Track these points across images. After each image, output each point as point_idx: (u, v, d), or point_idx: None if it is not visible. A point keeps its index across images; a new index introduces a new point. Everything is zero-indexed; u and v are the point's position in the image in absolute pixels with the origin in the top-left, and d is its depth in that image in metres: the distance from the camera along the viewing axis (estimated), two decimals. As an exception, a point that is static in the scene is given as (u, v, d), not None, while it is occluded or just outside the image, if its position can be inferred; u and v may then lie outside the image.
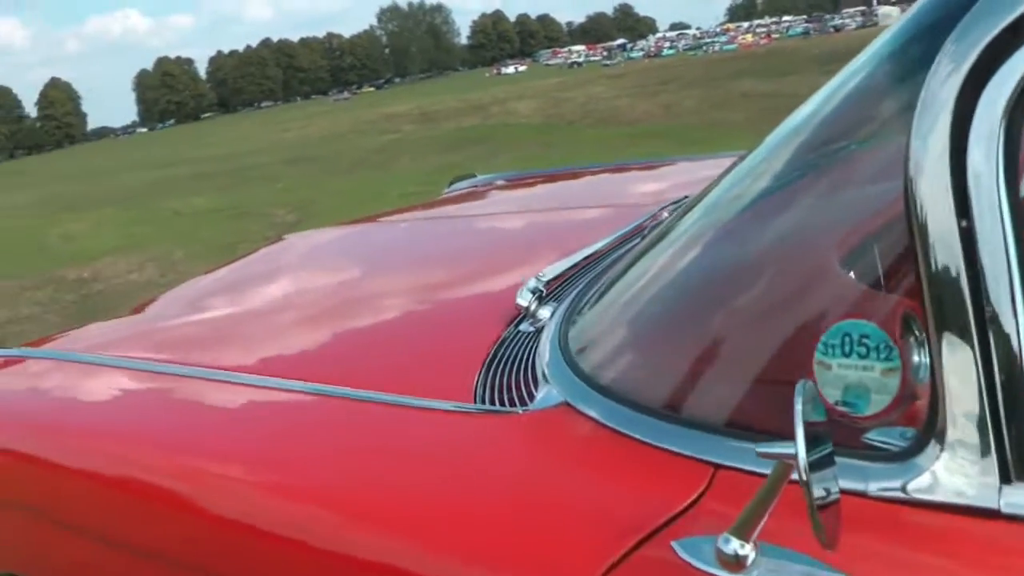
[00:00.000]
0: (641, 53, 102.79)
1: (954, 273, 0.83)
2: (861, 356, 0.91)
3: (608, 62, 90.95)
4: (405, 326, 1.85)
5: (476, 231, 2.62)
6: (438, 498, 1.21)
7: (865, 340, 0.91)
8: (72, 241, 15.60)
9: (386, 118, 38.86)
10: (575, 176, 3.56)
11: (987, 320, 0.82)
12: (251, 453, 1.46)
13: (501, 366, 1.46)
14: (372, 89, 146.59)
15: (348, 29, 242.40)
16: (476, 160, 19.39)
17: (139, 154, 55.33)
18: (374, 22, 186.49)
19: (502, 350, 1.52)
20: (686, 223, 1.36)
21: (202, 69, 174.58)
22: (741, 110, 20.93)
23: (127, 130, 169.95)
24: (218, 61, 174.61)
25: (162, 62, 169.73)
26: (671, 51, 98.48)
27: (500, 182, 3.38)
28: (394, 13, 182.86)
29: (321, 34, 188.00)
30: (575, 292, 1.61)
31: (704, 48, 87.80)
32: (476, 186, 3.32)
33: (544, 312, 1.58)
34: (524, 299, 1.60)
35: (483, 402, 1.36)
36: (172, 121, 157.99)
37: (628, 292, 1.39)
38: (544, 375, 1.35)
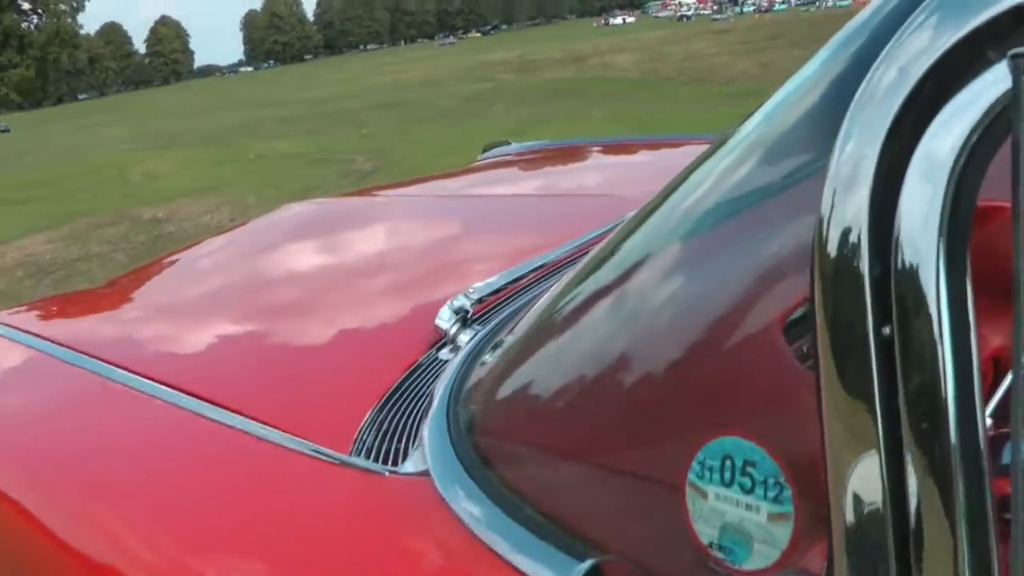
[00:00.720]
0: (752, 8, 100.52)
1: (866, 394, 0.58)
2: (744, 489, 0.65)
3: (717, 16, 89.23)
4: (324, 334, 1.55)
5: (481, 213, 2.26)
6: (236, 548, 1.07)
7: (750, 468, 0.65)
8: (154, 180, 15.63)
9: (485, 65, 38.55)
10: (620, 150, 3.19)
11: (909, 455, 0.56)
12: (77, 460, 1.31)
13: (399, 403, 1.19)
14: (478, 35, 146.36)
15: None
16: (566, 114, 19.06)
17: (238, 93, 56.00)
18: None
19: (408, 382, 1.24)
20: (603, 256, 1.02)
21: (310, 11, 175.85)
22: (844, 71, 20.16)
23: (232, 69, 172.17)
24: (326, 3, 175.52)
25: (271, 3, 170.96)
26: (783, 6, 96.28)
27: (535, 152, 3.07)
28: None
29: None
30: (499, 320, 1.31)
31: (817, 4, 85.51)
32: (509, 155, 3.01)
33: (464, 338, 1.28)
34: (445, 320, 1.31)
35: (359, 449, 1.10)
36: (274, 62, 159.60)
37: (531, 337, 1.08)
38: (424, 430, 1.08)
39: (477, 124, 18.66)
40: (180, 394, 1.29)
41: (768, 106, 0.82)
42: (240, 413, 1.21)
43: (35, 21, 69.79)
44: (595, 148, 3.24)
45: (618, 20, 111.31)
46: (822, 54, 0.76)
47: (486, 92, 26.21)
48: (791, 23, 42.87)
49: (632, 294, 0.90)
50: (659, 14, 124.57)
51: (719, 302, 0.75)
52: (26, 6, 69.54)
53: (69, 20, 71.43)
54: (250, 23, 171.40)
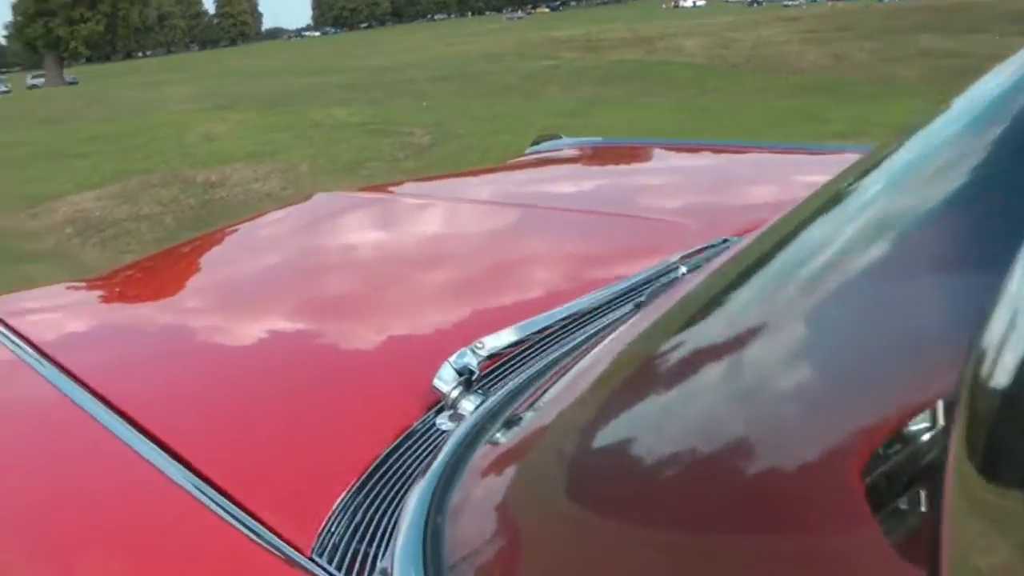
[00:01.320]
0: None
1: None
2: None
3: (788, 2, 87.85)
4: (309, 375, 1.27)
5: (516, 228, 1.96)
6: None
7: None
8: (211, 142, 15.59)
9: (550, 42, 38.16)
10: (681, 155, 2.81)
11: None
12: None
13: (378, 488, 0.94)
14: (547, 10, 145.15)
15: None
16: (626, 98, 18.80)
17: (303, 57, 56.04)
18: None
19: (393, 458, 0.98)
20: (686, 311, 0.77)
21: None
22: (916, 67, 19.70)
23: (298, 33, 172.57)
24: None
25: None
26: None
27: (587, 149, 2.79)
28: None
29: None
30: (516, 382, 1.03)
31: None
32: (559, 150, 2.73)
33: (468, 405, 1.02)
34: (445, 381, 1.04)
35: (323, 546, 0.86)
36: (341, 28, 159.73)
37: (567, 419, 0.83)
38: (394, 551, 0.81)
39: (536, 103, 18.45)
40: (130, 429, 1.08)
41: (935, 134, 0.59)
42: (193, 469, 0.98)
43: (107, -24, 70.21)
44: (654, 151, 2.89)
45: (688, 2, 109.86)
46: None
47: (548, 70, 25.91)
48: (864, 13, 42.00)
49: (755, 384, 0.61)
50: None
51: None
52: (100, -38, 69.98)
53: (140, -24, 71.84)
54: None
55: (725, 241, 1.34)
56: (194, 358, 1.40)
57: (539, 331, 1.13)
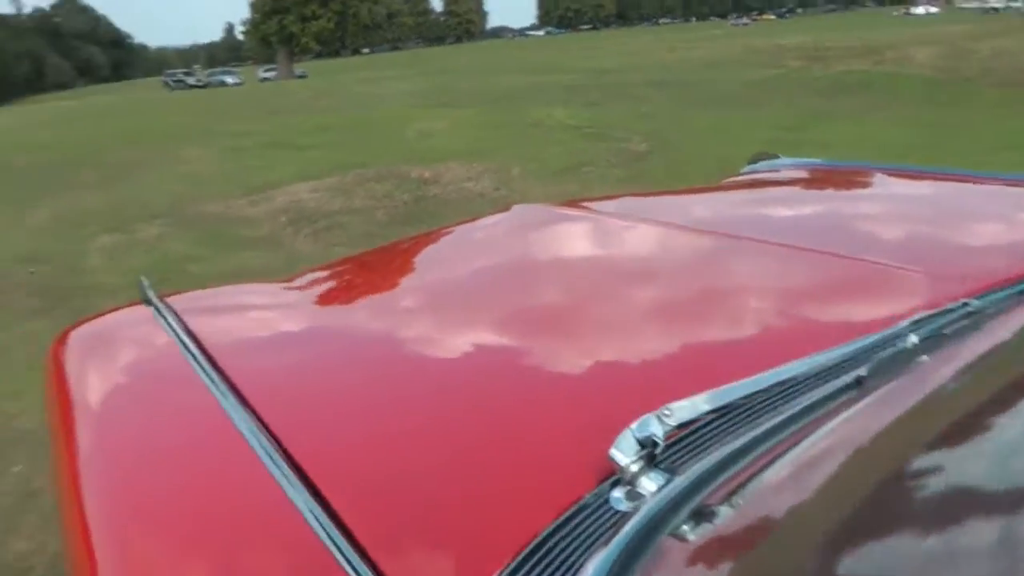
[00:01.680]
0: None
1: None
2: None
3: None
4: (471, 428, 1.10)
5: (724, 257, 1.70)
6: None
7: None
8: (427, 138, 15.76)
9: (775, 50, 37.21)
10: (920, 184, 2.42)
11: None
12: None
13: (537, 571, 0.79)
14: (773, 17, 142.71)
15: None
16: (851, 111, 18.06)
17: (526, 57, 56.55)
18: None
19: (559, 534, 0.83)
20: None
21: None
22: None
23: (522, 32, 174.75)
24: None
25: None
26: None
27: (806, 171, 2.52)
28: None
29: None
30: (710, 462, 0.86)
31: None
32: (776, 170, 2.49)
33: (649, 484, 0.84)
34: (625, 452, 0.85)
35: None
36: (565, 29, 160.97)
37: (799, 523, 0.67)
38: None
39: (757, 114, 17.89)
40: (275, 456, 0.99)
41: None
42: (335, 524, 0.88)
43: (339, -25, 72.79)
44: (881, 177, 2.49)
45: (920, 10, 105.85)
46: None
47: (771, 79, 25.20)
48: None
49: None
50: (966, 5, 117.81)
51: None
52: (335, -38, 72.61)
53: (372, -25, 74.14)
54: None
55: (965, 305, 1.13)
56: (354, 383, 1.31)
57: (741, 398, 0.93)
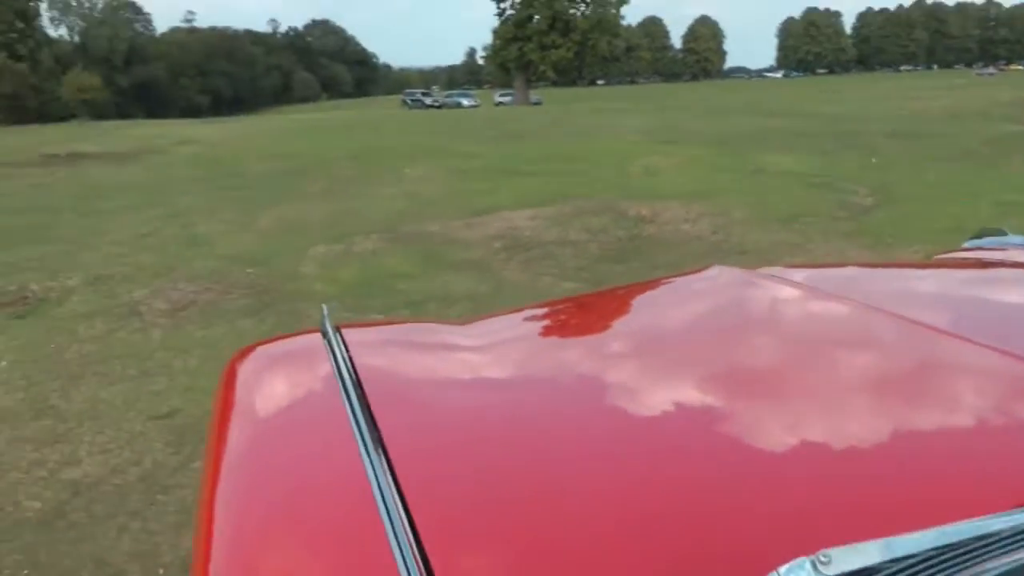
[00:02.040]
0: None
1: None
2: None
3: None
4: (599, 523, 0.97)
5: (934, 358, 1.43)
6: None
7: None
8: (650, 175, 15.60)
9: (1019, 104, 35.41)
10: None
11: None
12: None
13: None
14: (1022, 68, 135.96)
15: None
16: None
17: (760, 98, 55.69)
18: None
19: None
20: None
21: (848, 24, 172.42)
22: None
23: (759, 73, 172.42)
24: (866, 17, 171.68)
25: (809, 12, 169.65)
26: None
27: None
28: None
29: (980, 1, 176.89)
30: None
31: None
32: (1003, 248, 2.21)
33: None
34: None
35: None
36: (803, 72, 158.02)
37: None
38: None
39: (995, 173, 16.86)
40: (395, 514, 0.97)
41: None
42: None
43: (582, 9, 73.71)
44: None
45: None
46: None
47: (1015, 136, 23.86)
48: None
49: None
50: None
51: None
52: (578, -6, 73.72)
53: (613, 11, 74.59)
54: (786, 30, 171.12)
55: None
56: (514, 443, 1.25)
57: (923, 553, 0.76)
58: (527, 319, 2.03)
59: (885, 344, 1.51)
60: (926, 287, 2.03)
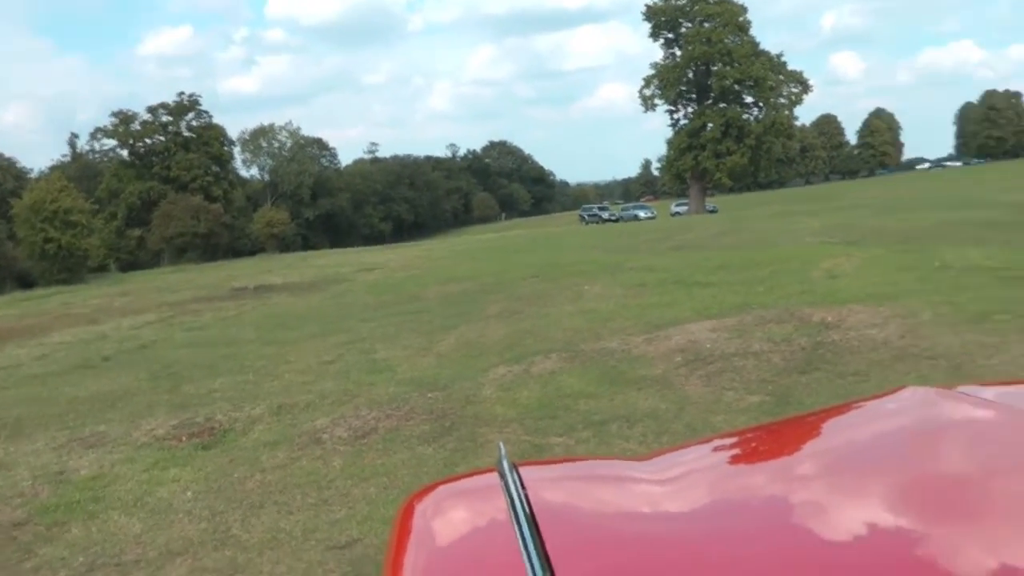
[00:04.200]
0: None
1: None
2: None
3: None
4: None
5: None
6: None
7: None
8: (833, 279, 15.24)
9: None
10: None
11: None
12: None
13: None
14: None
15: None
16: None
17: (942, 189, 54.23)
18: None
19: None
20: None
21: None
22: None
23: (939, 163, 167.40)
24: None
25: (989, 95, 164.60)
26: None
27: None
28: None
29: None
30: None
31: None
32: None
33: None
34: None
35: None
36: (985, 158, 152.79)
37: None
38: None
39: None
40: None
41: None
42: None
43: (755, 113, 73.74)
44: None
45: None
46: None
47: None
48: None
49: None
50: None
51: None
52: (748, 99, 73.71)
53: (787, 112, 74.37)
54: (965, 116, 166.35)
55: None
56: None
57: None
58: (712, 450, 2.00)
59: None
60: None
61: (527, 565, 1.20)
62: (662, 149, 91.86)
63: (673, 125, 75.87)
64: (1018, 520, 1.26)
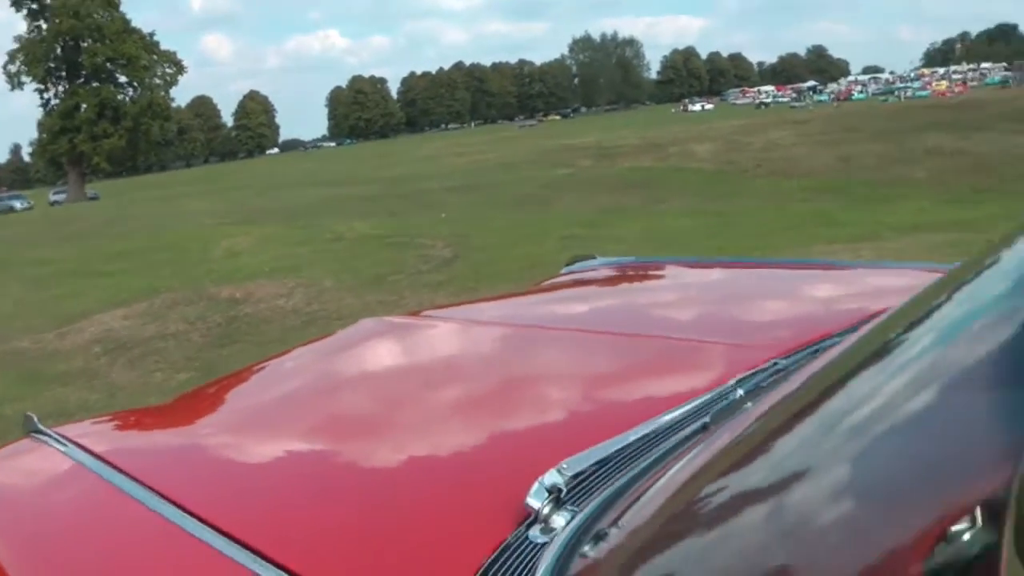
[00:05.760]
0: (830, 96, 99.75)
1: None
2: None
3: (796, 104, 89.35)
4: (390, 493, 1.36)
5: (568, 351, 1.99)
6: None
7: None
8: (234, 257, 15.84)
9: (564, 150, 38.64)
10: (714, 268, 2.98)
11: None
12: None
13: None
14: (558, 117, 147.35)
15: (540, 57, 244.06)
16: (642, 205, 19.11)
17: (320, 169, 56.75)
18: (566, 52, 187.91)
19: (493, 568, 1.05)
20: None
21: (394, 89, 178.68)
22: (924, 167, 20.00)
23: (315, 144, 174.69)
24: (410, 82, 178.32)
25: (356, 80, 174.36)
26: (861, 95, 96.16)
27: (622, 269, 2.88)
28: (586, 44, 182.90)
29: (513, 60, 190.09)
30: (600, 498, 1.13)
31: (896, 93, 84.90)
32: (594, 269, 2.83)
33: (559, 520, 1.10)
34: (537, 499, 1.13)
35: None
36: (356, 138, 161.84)
37: (658, 536, 0.93)
38: None
39: (554, 212, 18.75)
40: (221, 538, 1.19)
41: None
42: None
43: (130, 93, 71.33)
44: (686, 269, 3.00)
45: (697, 107, 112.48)
46: None
47: (562, 179, 26.25)
48: (869, 115, 42.61)
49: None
50: (737, 101, 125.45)
51: None
52: (123, 79, 71.26)
53: (162, 93, 72.70)
54: (335, 99, 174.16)
55: (775, 364, 1.46)
56: (279, 476, 1.51)
57: (617, 451, 1.22)
58: (214, 393, 2.26)
59: (533, 345, 2.09)
60: (545, 304, 2.65)
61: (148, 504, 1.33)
62: (33, 132, 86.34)
63: (44, 105, 70.94)
64: (496, 405, 1.74)
